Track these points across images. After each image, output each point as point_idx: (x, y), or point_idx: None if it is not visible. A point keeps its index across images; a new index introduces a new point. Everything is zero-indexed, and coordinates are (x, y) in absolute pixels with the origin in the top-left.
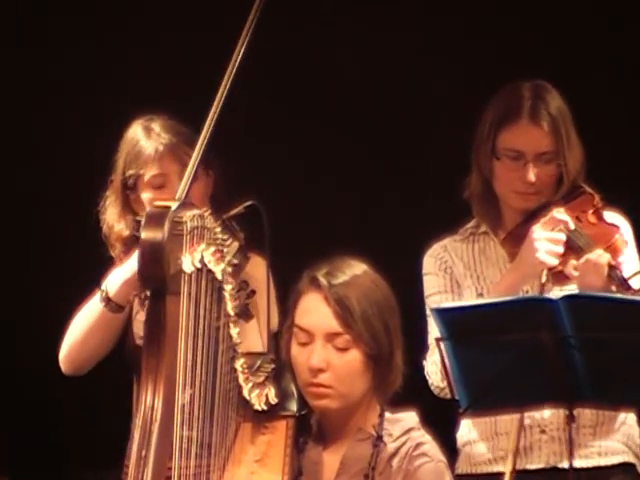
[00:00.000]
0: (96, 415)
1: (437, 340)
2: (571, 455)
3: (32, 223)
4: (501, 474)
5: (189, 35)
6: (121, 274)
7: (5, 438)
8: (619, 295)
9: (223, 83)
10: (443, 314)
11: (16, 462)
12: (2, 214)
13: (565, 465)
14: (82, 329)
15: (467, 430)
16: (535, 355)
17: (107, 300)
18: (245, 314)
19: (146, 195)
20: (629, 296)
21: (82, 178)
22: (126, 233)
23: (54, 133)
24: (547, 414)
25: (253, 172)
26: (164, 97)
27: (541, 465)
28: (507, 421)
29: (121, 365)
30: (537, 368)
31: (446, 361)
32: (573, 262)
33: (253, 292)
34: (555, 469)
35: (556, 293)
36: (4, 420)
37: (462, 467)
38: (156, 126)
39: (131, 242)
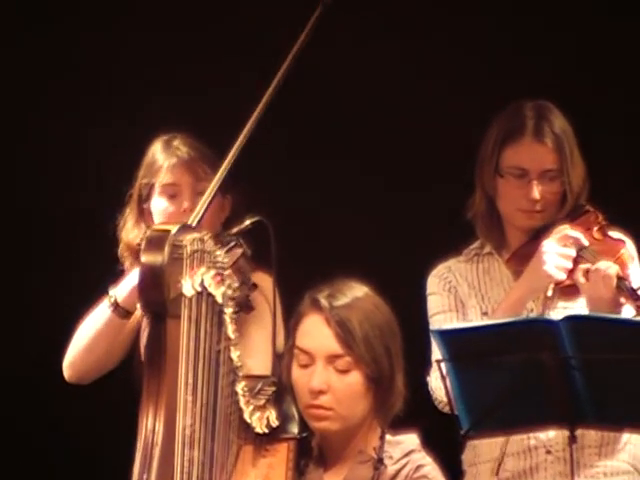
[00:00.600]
0: (101, 435)
1: (438, 362)
2: (572, 475)
3: (42, 232)
4: None
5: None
6: (130, 280)
7: None
8: (620, 316)
9: (255, 113)
10: (443, 335)
11: None
12: (8, 222)
13: None
14: (89, 334)
15: (473, 451)
16: (536, 376)
17: (115, 305)
18: (246, 306)
19: (157, 203)
20: (630, 317)
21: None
22: (138, 246)
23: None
24: (552, 434)
25: (267, 195)
26: (191, 119)
27: None
28: (513, 442)
29: (129, 382)
30: (538, 389)
31: (447, 382)
32: (582, 266)
33: (255, 286)
34: None
35: (560, 310)
36: None
37: None
38: (176, 141)
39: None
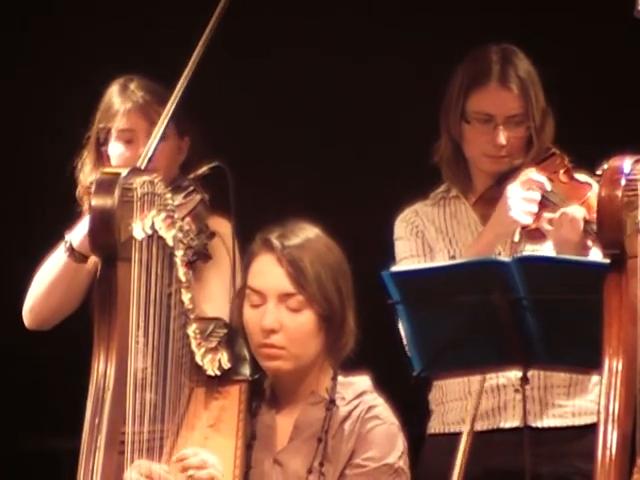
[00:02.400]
0: (58, 380)
1: (389, 304)
2: (525, 416)
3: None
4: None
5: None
6: (85, 224)
7: None
8: (572, 257)
9: (198, 48)
10: (394, 277)
11: None
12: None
13: (539, 424)
14: (46, 280)
15: (440, 391)
16: (488, 317)
17: (71, 250)
18: (204, 255)
19: (113, 148)
20: (581, 258)
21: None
22: (93, 186)
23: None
24: (521, 374)
25: (228, 140)
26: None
27: (515, 424)
28: (474, 382)
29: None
30: (490, 330)
31: (400, 324)
32: (547, 215)
33: (213, 234)
34: (529, 428)
35: (528, 254)
36: None
37: (434, 427)
38: (132, 84)
39: None
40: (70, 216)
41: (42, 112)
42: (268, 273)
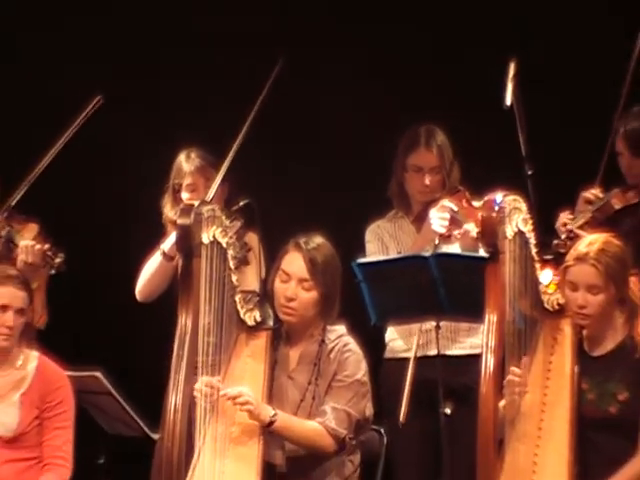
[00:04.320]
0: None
1: (357, 282)
2: (438, 351)
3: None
4: (409, 359)
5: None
6: (171, 238)
7: (94, 340)
8: (468, 253)
9: (240, 134)
10: (359, 266)
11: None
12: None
13: (448, 352)
14: (148, 272)
15: (392, 333)
16: (417, 289)
17: (164, 254)
18: (245, 262)
19: (184, 195)
20: (473, 253)
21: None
22: (174, 218)
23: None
24: (441, 323)
25: (254, 185)
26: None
27: (435, 352)
28: (414, 328)
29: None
30: (417, 297)
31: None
32: (456, 232)
33: (249, 249)
34: (444, 355)
35: (445, 249)
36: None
37: (387, 354)
38: (193, 154)
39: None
40: (159, 234)
41: (148, 168)
42: (295, 263)
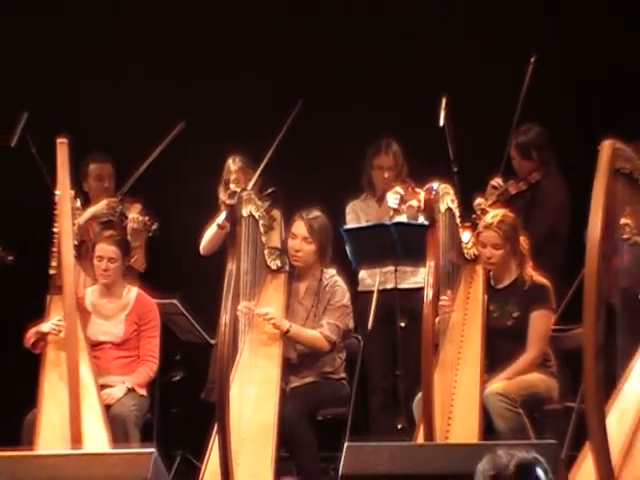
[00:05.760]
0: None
1: (343, 241)
2: (396, 284)
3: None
4: (373, 291)
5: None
6: (223, 215)
7: (174, 280)
8: (414, 222)
9: (272, 147)
10: (345, 230)
11: None
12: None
13: (402, 287)
14: (207, 237)
15: (364, 274)
16: (381, 245)
17: (218, 225)
18: (271, 228)
19: (231, 186)
20: (418, 222)
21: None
22: (225, 200)
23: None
24: (398, 267)
25: (277, 179)
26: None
27: (390, 286)
28: (376, 271)
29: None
30: (382, 250)
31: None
32: (404, 206)
33: (274, 220)
34: (397, 289)
35: (397, 219)
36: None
37: (360, 288)
38: (237, 159)
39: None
40: (214, 213)
41: (210, 170)
42: (300, 227)
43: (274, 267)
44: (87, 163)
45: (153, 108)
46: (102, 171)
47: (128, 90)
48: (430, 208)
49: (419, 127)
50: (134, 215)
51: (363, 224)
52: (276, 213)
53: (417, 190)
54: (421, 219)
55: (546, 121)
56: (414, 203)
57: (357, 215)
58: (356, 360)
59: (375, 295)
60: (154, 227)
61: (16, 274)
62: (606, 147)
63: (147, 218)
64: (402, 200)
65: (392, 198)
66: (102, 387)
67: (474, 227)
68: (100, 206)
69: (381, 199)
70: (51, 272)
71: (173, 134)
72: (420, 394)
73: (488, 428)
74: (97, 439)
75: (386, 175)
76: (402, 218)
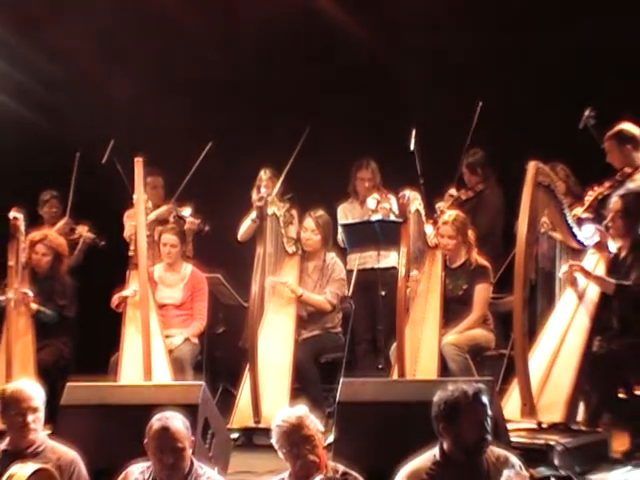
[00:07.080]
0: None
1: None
2: (378, 264)
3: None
4: (360, 270)
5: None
6: (253, 213)
7: (219, 260)
8: (393, 219)
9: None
10: (341, 225)
11: None
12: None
13: (381, 266)
14: (243, 228)
15: (353, 254)
16: (367, 235)
17: (252, 220)
18: (289, 223)
19: (262, 190)
20: (395, 219)
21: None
22: (256, 202)
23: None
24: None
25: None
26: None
27: (374, 266)
28: (361, 255)
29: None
30: (367, 238)
31: (343, 238)
32: (379, 207)
33: (292, 217)
34: (378, 268)
35: (375, 217)
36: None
37: (349, 267)
38: (267, 171)
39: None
40: (248, 209)
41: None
42: (309, 223)
43: (290, 251)
44: (145, 176)
45: (190, 132)
46: (156, 182)
47: (174, 118)
48: (403, 209)
49: (395, 150)
50: (191, 219)
51: (354, 221)
52: (293, 212)
53: (389, 196)
54: (392, 217)
55: (488, 146)
56: (387, 206)
57: (345, 214)
58: (349, 319)
59: (355, 272)
60: (206, 228)
61: (106, 254)
62: (531, 166)
63: (199, 221)
64: (378, 203)
65: (371, 202)
66: (166, 337)
67: (435, 223)
68: (162, 210)
69: (363, 203)
70: (130, 253)
71: (205, 150)
72: (395, 343)
73: (444, 369)
74: (162, 374)
75: (366, 185)
76: (378, 217)
